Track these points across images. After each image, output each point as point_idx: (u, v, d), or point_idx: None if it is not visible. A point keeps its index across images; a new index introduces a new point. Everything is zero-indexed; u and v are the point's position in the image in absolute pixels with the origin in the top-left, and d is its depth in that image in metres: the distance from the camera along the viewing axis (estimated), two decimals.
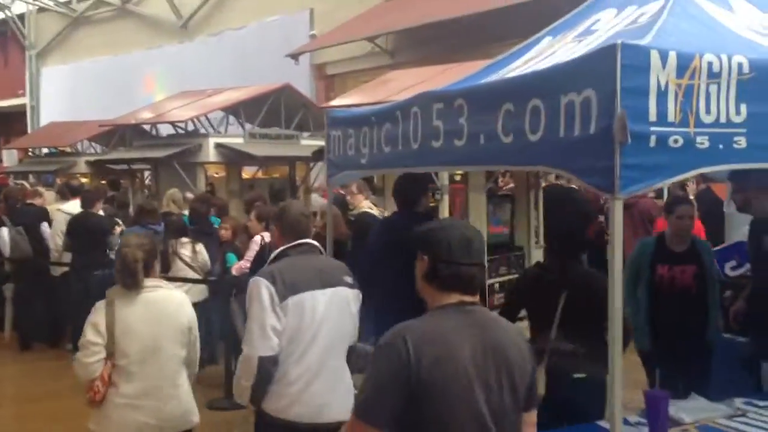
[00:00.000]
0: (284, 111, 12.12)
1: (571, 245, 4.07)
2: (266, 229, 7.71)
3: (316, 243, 3.89)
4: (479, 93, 3.44)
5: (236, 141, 11.38)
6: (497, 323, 2.53)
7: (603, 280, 4.27)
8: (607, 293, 4.11)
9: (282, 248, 3.78)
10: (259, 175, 12.81)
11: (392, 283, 4.80)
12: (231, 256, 8.10)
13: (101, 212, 9.29)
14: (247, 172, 12.31)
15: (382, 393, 2.33)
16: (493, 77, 3.90)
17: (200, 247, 7.90)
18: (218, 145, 11.10)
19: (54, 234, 9.47)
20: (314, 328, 3.61)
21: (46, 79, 29.38)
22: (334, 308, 3.69)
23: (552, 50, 4.02)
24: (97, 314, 3.91)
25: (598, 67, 2.64)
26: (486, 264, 2.61)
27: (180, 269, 7.80)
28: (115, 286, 4.00)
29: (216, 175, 12.34)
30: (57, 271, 9.43)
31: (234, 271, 7.63)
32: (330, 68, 20.98)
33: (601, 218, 11.79)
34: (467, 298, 2.47)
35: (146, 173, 15.10)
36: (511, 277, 10.41)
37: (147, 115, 12.66)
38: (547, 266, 4.13)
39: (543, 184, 11.10)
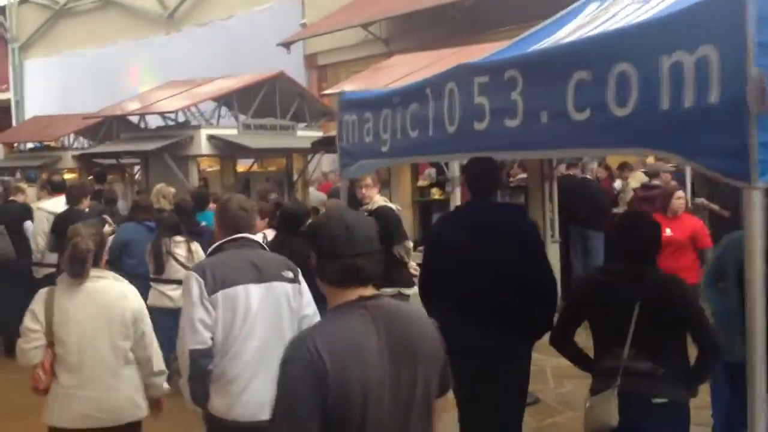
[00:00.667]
0: (279, 100, 11.49)
1: (651, 248, 3.43)
2: (270, 226, 7.12)
3: (255, 238, 3.83)
4: (539, 61, 2.84)
5: (230, 132, 10.76)
6: (402, 314, 2.36)
7: (684, 287, 3.67)
8: (690, 301, 3.58)
9: (218, 242, 3.75)
10: (255, 168, 12.20)
11: (472, 291, 4.10)
12: None
13: (87, 209, 8.67)
14: (242, 166, 11.68)
15: (303, 407, 2.17)
16: (546, 44, 3.32)
17: (196, 247, 7.28)
18: (211, 137, 10.47)
19: (35, 234, 8.83)
20: (249, 323, 3.54)
21: (29, 73, 28.61)
22: (270, 304, 3.60)
23: (609, 14, 3.44)
24: (37, 301, 3.95)
25: (718, 16, 2.05)
26: (380, 250, 2.36)
27: (175, 270, 7.17)
28: (62, 275, 3.98)
29: (209, 169, 11.70)
30: (40, 273, 8.78)
31: None
32: (322, 58, 20.37)
33: (617, 210, 11.23)
34: (365, 292, 2.32)
35: (135, 168, 14.52)
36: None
37: (134, 105, 11.98)
38: (615, 271, 3.45)
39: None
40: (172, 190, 9.35)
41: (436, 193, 9.40)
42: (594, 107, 2.50)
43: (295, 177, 12.06)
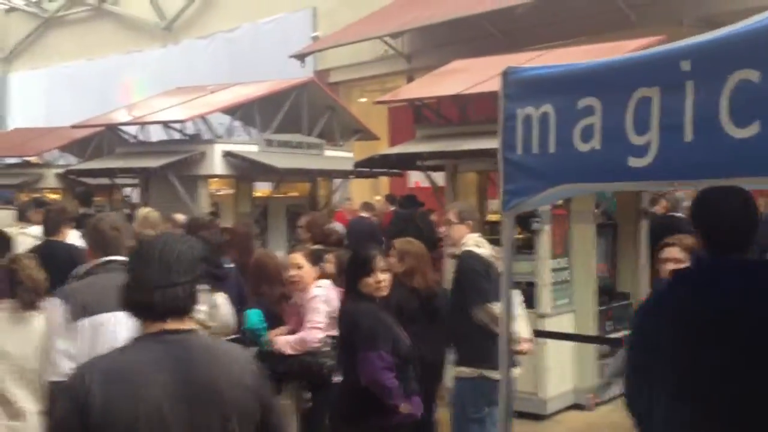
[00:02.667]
0: (307, 113, 9.60)
1: None
2: (325, 275, 5.22)
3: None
4: None
5: (249, 149, 8.85)
6: (210, 353, 2.24)
7: None
8: None
9: (88, 266, 3.65)
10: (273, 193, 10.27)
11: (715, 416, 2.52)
12: (252, 314, 5.41)
13: (78, 240, 6.70)
14: (259, 190, 9.78)
15: None
16: None
17: (222, 299, 5.34)
18: (227, 154, 8.55)
19: None
20: None
21: (14, 86, 26.73)
22: None
23: None
24: None
25: None
26: (189, 280, 2.21)
27: None
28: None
29: (218, 193, 9.74)
30: None
31: (283, 347, 4.95)
32: (334, 75, 18.64)
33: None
34: (170, 326, 2.19)
35: (126, 189, 12.58)
36: (616, 335, 7.79)
37: (132, 115, 10.00)
38: None
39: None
40: (180, 217, 7.46)
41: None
42: None
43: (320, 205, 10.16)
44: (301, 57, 16.22)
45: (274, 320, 5.29)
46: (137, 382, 2.09)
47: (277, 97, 9.32)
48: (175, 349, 2.16)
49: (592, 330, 6.98)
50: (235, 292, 6.00)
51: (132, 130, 9.79)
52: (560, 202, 7.11)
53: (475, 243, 5.24)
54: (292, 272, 5.00)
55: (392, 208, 14.21)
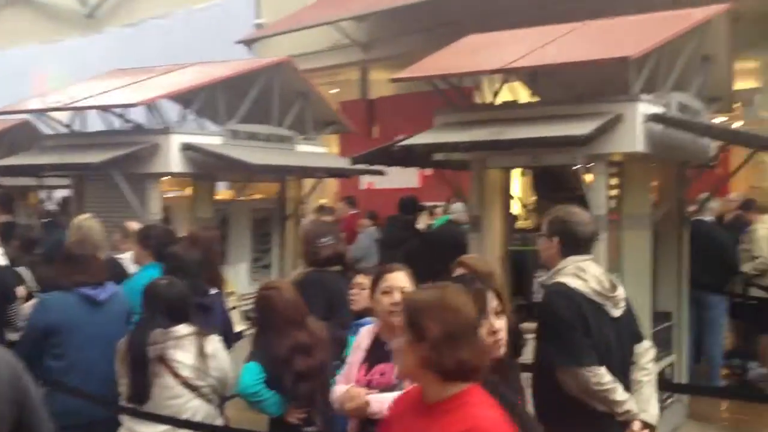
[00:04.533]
0: (279, 101, 8.00)
1: None
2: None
3: None
4: None
5: (212, 141, 7.20)
6: None
7: None
8: None
9: None
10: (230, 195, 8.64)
11: None
12: (246, 371, 3.75)
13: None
14: (219, 192, 8.15)
15: None
16: None
17: (214, 346, 3.76)
18: (187, 147, 6.88)
19: None
20: None
21: None
22: None
23: None
24: None
25: None
26: None
27: (171, 395, 3.64)
28: None
29: (169, 196, 8.02)
30: None
31: (381, 406, 3.11)
32: None
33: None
34: None
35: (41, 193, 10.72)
36: (662, 365, 6.40)
37: (58, 101, 8.11)
38: None
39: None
40: (134, 225, 5.83)
41: None
42: None
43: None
44: (248, 43, 14.64)
45: (277, 383, 3.72)
46: None
47: (244, 80, 7.69)
48: None
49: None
50: (221, 326, 4.45)
51: (63, 120, 7.98)
52: (613, 203, 5.75)
53: (575, 271, 3.65)
54: (396, 296, 3.21)
55: (352, 212, 12.81)
